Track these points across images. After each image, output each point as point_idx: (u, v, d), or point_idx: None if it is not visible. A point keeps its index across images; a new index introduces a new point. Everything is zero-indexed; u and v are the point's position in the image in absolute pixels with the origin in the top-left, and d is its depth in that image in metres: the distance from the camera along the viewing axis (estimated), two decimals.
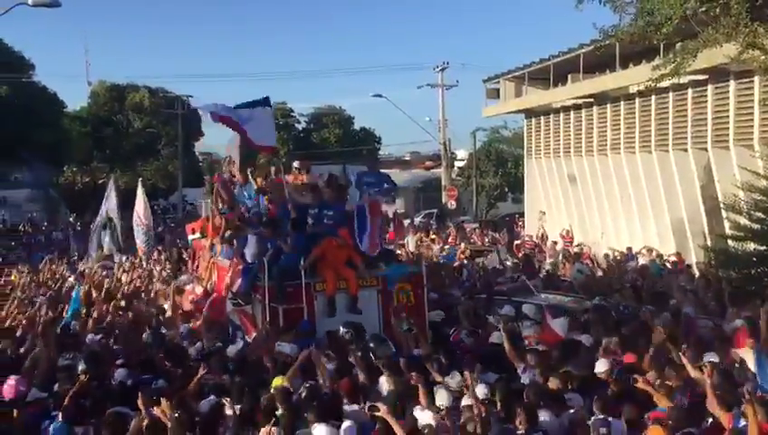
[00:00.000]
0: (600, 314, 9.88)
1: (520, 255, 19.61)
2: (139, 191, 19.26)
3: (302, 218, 10.65)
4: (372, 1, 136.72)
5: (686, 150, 18.42)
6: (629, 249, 18.06)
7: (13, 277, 16.10)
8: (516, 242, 23.86)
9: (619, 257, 17.29)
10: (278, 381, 7.25)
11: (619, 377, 7.20)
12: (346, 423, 6.41)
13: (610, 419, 6.18)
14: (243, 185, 12.31)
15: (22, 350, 9.40)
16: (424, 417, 6.47)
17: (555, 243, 21.70)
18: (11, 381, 7.38)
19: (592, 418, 6.27)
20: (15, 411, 7.20)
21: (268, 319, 9.64)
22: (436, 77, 36.97)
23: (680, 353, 7.35)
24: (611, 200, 21.84)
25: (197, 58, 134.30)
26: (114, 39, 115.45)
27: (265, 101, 11.10)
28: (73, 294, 12.88)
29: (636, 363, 7.68)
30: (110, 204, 19.33)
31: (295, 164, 12.52)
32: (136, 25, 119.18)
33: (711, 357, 7.14)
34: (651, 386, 6.62)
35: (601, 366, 7.49)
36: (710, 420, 6.16)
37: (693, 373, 6.86)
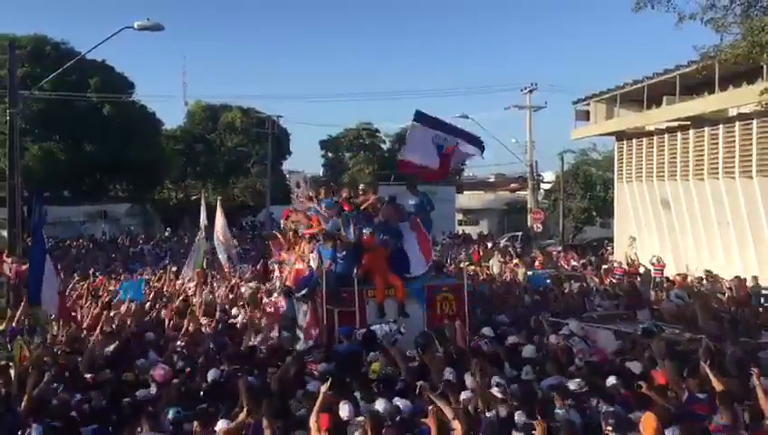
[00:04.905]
0: (647, 338, 10.01)
1: (607, 281, 19.00)
2: (218, 209, 19.87)
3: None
4: (459, 22, 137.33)
5: None
6: (756, 278, 16.85)
7: (112, 287, 16.86)
8: (604, 267, 23.20)
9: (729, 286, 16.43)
10: (376, 367, 8.39)
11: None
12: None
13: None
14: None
15: None
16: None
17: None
18: (163, 367, 8.37)
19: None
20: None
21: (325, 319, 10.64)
22: (523, 98, 36.63)
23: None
24: (707, 227, 20.93)
25: (287, 79, 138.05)
26: (210, 61, 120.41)
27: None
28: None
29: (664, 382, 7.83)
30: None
31: (361, 186, 13.60)
32: (230, 48, 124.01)
33: None
34: (650, 389, 7.16)
35: (611, 380, 7.90)
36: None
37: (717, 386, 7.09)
